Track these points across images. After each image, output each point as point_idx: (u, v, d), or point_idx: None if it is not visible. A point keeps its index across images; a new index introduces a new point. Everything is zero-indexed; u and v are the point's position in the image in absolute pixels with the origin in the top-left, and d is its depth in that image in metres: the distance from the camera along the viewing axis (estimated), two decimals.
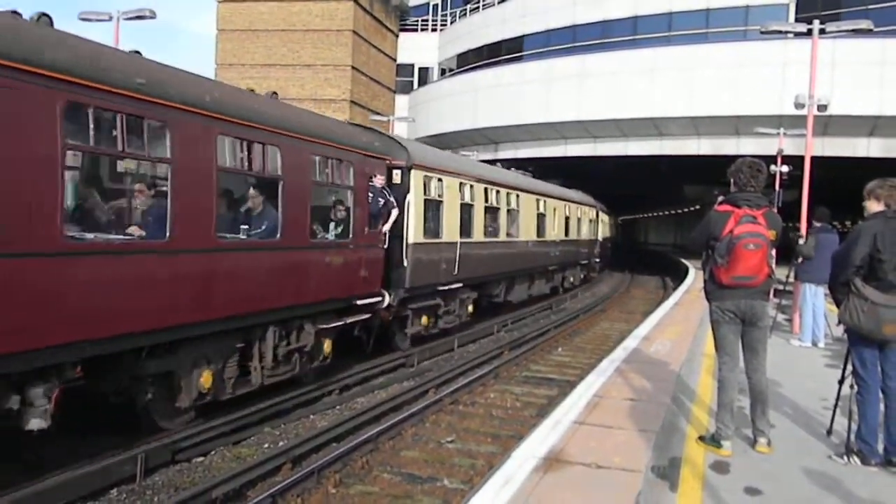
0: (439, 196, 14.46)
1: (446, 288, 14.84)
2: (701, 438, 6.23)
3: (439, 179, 14.39)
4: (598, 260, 34.25)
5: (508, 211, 19.26)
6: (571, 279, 28.03)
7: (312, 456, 7.99)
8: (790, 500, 5.09)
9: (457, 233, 15.23)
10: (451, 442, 8.99)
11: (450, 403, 10.66)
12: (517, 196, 19.87)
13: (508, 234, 19.28)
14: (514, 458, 5.59)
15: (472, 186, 16.25)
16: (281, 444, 8.47)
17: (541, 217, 22.16)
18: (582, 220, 29.13)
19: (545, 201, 22.68)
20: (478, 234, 16.64)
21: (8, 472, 6.28)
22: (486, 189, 17.30)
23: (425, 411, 10.02)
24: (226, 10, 41.69)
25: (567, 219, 26.13)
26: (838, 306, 5.79)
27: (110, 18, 20.40)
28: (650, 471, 5.47)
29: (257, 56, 41.17)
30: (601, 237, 35.26)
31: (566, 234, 25.75)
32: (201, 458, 8.00)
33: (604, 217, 37.93)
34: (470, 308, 16.62)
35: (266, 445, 8.57)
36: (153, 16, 20.24)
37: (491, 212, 17.92)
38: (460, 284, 15.51)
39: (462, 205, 15.67)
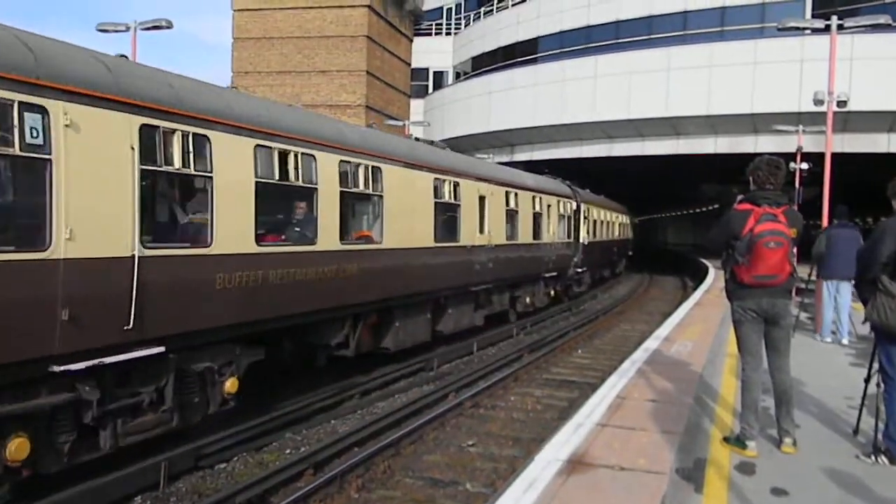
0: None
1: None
2: (725, 439, 6.17)
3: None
4: (581, 270, 25.11)
5: (358, 197, 11.29)
6: (528, 300, 19.79)
7: (334, 461, 8.01)
8: (817, 501, 5.02)
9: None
10: (473, 445, 8.97)
11: (470, 407, 10.64)
12: (380, 171, 11.50)
13: (350, 237, 11.14)
14: (537, 461, 5.56)
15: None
16: (303, 449, 8.50)
17: (448, 209, 14.38)
18: (546, 215, 20.54)
19: (458, 184, 14.61)
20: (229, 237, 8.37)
21: (32, 481, 6.32)
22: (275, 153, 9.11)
23: (446, 415, 10.01)
24: (241, 18, 41.98)
25: (514, 213, 17.94)
26: (865, 304, 5.71)
27: (127, 29, 20.61)
28: (675, 472, 5.42)
29: (273, 63, 41.44)
30: (588, 239, 26.14)
31: (512, 235, 17.74)
32: (224, 465, 8.04)
33: (600, 213, 29.84)
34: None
35: (288, 451, 8.59)
36: (170, 26, 20.42)
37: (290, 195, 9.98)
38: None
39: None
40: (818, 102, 17.55)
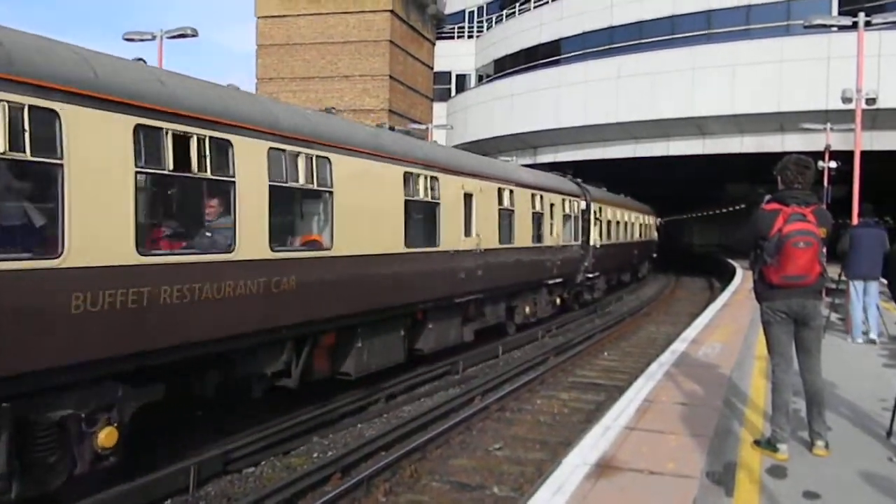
0: None
1: None
2: (756, 442, 6.09)
3: None
4: (593, 276, 22.97)
5: (301, 193, 9.45)
6: (528, 310, 17.58)
7: (362, 465, 8.02)
8: None
9: None
10: (500, 449, 8.94)
11: (496, 410, 10.62)
12: (328, 162, 9.48)
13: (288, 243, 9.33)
14: (565, 465, 5.54)
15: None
16: (330, 453, 8.53)
17: (424, 208, 12.42)
18: (548, 215, 18.40)
19: (437, 180, 12.54)
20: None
21: (66, 485, 6.40)
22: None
23: (472, 419, 9.99)
24: (264, 25, 42.35)
25: (509, 213, 15.77)
26: None
27: (153, 38, 20.86)
28: (705, 476, 5.36)
29: (296, 69, 41.73)
30: (600, 241, 23.74)
31: (507, 238, 15.55)
32: (252, 469, 8.09)
33: (616, 213, 27.19)
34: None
35: (315, 455, 8.62)
36: (195, 34, 20.65)
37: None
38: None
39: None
40: (846, 100, 17.36)
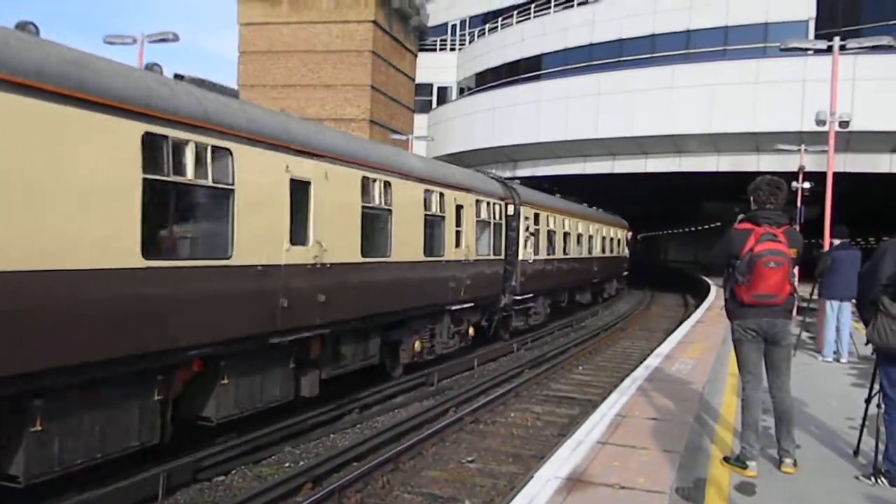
0: None
1: None
2: (726, 459, 6.15)
3: None
4: (524, 297, 18.63)
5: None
6: (419, 346, 13.29)
7: (333, 475, 7.99)
8: None
9: None
10: (472, 461, 8.95)
11: (470, 422, 10.62)
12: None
13: None
14: (537, 479, 5.55)
15: None
16: (301, 463, 8.49)
17: (208, 196, 8.22)
18: (451, 219, 14.19)
19: (230, 155, 8.11)
20: None
21: (32, 491, 6.31)
22: None
23: (446, 430, 9.99)
24: (248, 32, 42.24)
25: (382, 215, 11.66)
26: (866, 325, 5.71)
27: (134, 42, 20.73)
28: (675, 492, 5.40)
29: (278, 77, 41.63)
30: (535, 256, 19.34)
31: (377, 247, 11.47)
32: (222, 478, 8.02)
33: (562, 223, 22.73)
34: None
35: (287, 465, 8.57)
36: (176, 38, 20.55)
37: None
38: None
39: None
40: (820, 122, 17.62)
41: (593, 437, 6.76)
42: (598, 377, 14.73)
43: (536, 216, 19.79)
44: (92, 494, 6.71)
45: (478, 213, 15.57)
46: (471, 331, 15.63)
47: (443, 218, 13.78)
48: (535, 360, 15.93)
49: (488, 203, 16.17)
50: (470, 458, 9.03)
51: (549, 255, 21.09)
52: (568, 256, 23.72)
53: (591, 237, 27.46)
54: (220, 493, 7.65)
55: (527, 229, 18.55)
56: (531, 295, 19.12)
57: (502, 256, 17.06)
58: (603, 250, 30.14)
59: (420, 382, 13.06)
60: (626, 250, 36.20)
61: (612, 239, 32.16)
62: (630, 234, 36.85)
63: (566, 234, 23.44)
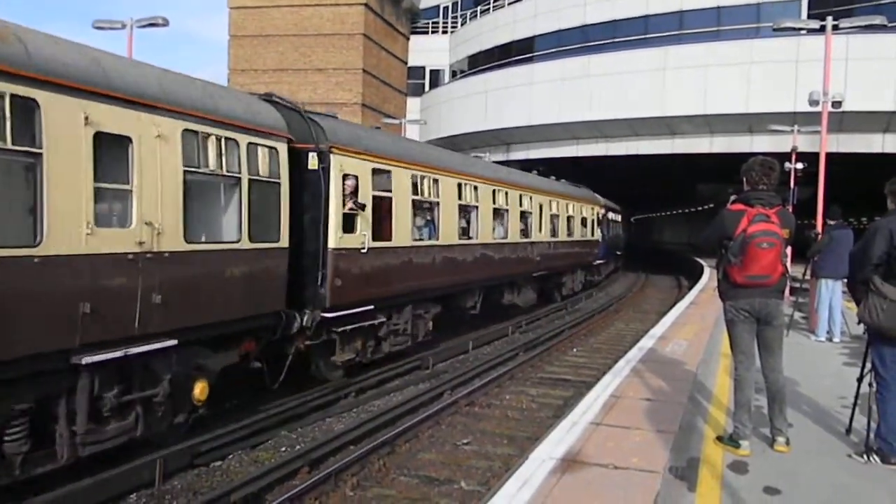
0: None
1: None
2: (719, 438, 6.20)
3: None
4: (336, 316, 10.66)
5: None
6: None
7: (330, 459, 8.03)
8: (810, 500, 5.06)
9: None
10: (468, 444, 9.00)
11: (465, 405, 10.66)
12: None
13: None
14: (532, 460, 5.59)
15: None
16: (298, 447, 8.51)
17: None
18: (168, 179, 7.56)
19: None
20: None
21: (29, 478, 6.33)
22: None
23: (441, 413, 10.03)
24: (238, 16, 41.96)
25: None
26: (858, 305, 5.75)
27: (123, 27, 20.56)
28: (668, 471, 5.45)
29: (269, 61, 41.42)
30: (368, 241, 11.51)
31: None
32: (219, 463, 8.05)
33: (439, 186, 14.23)
34: None
35: (283, 449, 8.61)
36: (166, 23, 20.38)
37: None
38: None
39: None
40: (813, 103, 17.62)
41: (587, 418, 6.80)
42: (593, 359, 14.79)
43: (381, 174, 12.18)
44: (90, 480, 6.73)
45: (197, 159, 8.04)
46: (200, 390, 8.17)
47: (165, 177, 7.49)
48: (530, 342, 15.98)
49: (221, 141, 8.34)
50: (465, 441, 9.08)
51: (419, 238, 13.63)
52: (471, 242, 15.87)
53: (528, 214, 19.86)
54: (218, 478, 7.68)
55: (351, 196, 11.03)
56: (371, 307, 11.57)
57: (279, 243, 9.49)
58: (555, 232, 22.56)
59: (415, 366, 13.10)
60: (598, 232, 29.12)
61: (572, 218, 24.86)
62: (603, 211, 30.44)
63: (467, 208, 15.84)
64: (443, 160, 15.18)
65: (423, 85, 47.76)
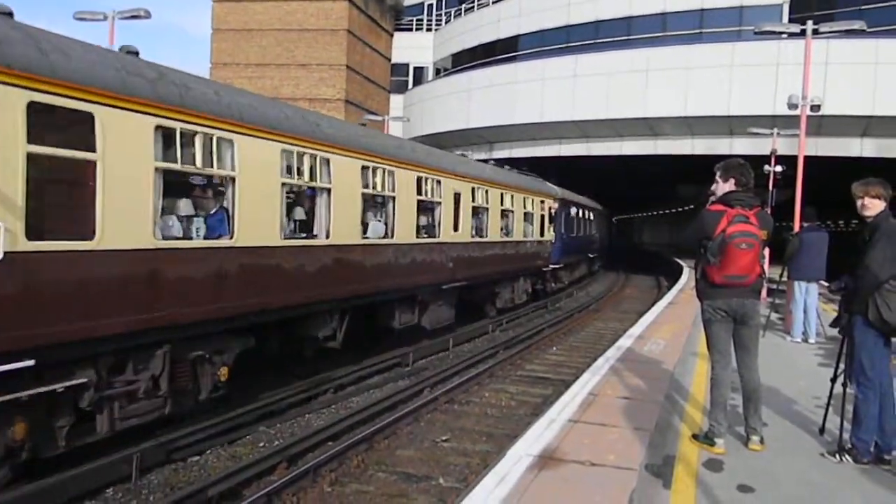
0: None
1: None
2: (695, 436, 6.26)
3: None
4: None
5: None
6: None
7: (308, 455, 8.02)
8: (783, 498, 5.12)
9: None
10: (447, 441, 9.02)
11: (445, 402, 10.69)
12: None
13: None
14: (509, 457, 5.62)
15: None
16: (276, 443, 8.50)
17: None
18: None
19: None
20: None
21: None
22: None
23: (420, 410, 10.05)
24: (221, 9, 41.65)
25: None
26: (862, 316, 5.66)
27: (105, 18, 20.37)
28: (644, 469, 5.50)
29: (252, 56, 41.16)
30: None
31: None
32: (196, 458, 8.02)
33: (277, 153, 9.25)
34: None
35: (261, 444, 8.59)
36: (148, 16, 20.19)
37: None
38: None
39: None
40: (792, 106, 17.77)
41: (565, 415, 6.84)
42: (572, 357, 14.87)
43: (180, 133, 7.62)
44: (66, 475, 6.68)
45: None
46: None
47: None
48: (510, 340, 16.03)
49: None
50: (444, 438, 9.10)
51: (175, 236, 7.99)
52: (316, 243, 10.44)
53: (435, 205, 14.77)
54: (195, 472, 7.65)
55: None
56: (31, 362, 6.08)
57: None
58: (480, 231, 17.62)
59: (395, 363, 13.10)
60: (551, 232, 24.59)
61: (509, 212, 19.80)
62: (556, 206, 25.43)
63: (305, 192, 10.81)
64: (277, 121, 9.44)
65: (407, 82, 47.66)
